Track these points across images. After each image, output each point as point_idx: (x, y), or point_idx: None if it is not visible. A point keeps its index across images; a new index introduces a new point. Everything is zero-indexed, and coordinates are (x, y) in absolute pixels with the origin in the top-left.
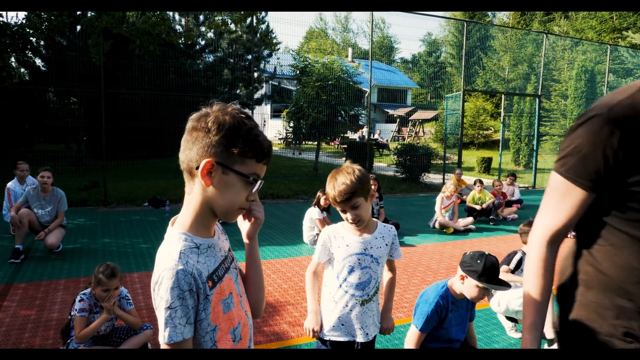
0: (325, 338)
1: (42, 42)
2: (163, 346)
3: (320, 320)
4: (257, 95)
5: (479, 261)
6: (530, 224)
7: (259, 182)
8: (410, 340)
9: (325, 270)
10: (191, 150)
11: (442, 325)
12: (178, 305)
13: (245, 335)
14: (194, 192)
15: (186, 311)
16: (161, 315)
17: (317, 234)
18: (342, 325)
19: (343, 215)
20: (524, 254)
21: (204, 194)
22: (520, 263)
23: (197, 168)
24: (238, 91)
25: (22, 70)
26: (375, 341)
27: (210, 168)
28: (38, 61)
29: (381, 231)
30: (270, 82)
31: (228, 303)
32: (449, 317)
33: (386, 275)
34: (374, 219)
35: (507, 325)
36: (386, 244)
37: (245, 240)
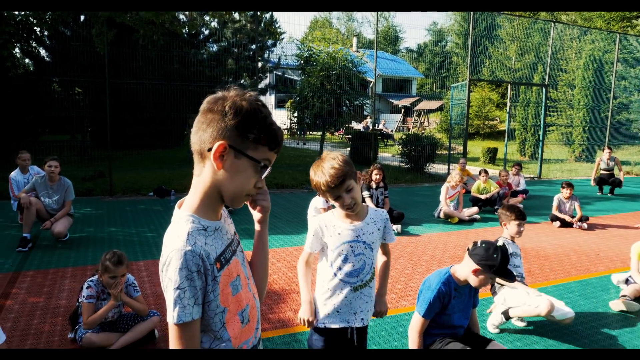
0: (320, 326)
1: (46, 32)
2: (171, 327)
3: (315, 310)
4: (261, 85)
5: (495, 255)
6: (507, 207)
7: (268, 168)
8: (414, 327)
9: (318, 260)
10: (205, 132)
11: (444, 311)
12: (186, 285)
13: (253, 317)
14: (204, 175)
15: (194, 292)
16: (170, 295)
17: None
18: (338, 312)
19: (337, 203)
20: (505, 240)
21: (214, 177)
22: (511, 252)
23: (210, 150)
24: (242, 81)
25: (27, 60)
26: (381, 329)
27: (223, 151)
28: (42, 51)
29: (372, 216)
30: (274, 72)
31: (236, 285)
32: (452, 303)
33: (380, 259)
34: (364, 204)
35: (497, 319)
36: (378, 229)
37: (257, 227)
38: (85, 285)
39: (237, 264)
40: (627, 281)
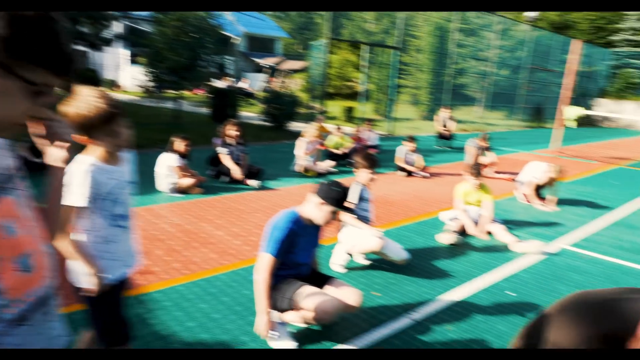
0: (110, 283)
1: None
2: None
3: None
4: (107, 36)
5: (338, 189)
6: (363, 156)
7: (48, 94)
8: (264, 267)
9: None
10: None
11: (292, 249)
12: None
13: (41, 265)
14: None
15: None
16: None
17: (176, 182)
18: (119, 260)
19: (109, 139)
20: (358, 184)
21: None
22: (361, 196)
23: None
24: (82, 28)
25: None
26: (232, 280)
27: None
28: None
29: (123, 155)
30: (122, 21)
31: (7, 227)
32: (299, 241)
33: None
34: None
35: (341, 258)
36: (127, 165)
37: (60, 165)
38: None
39: (11, 203)
40: (453, 218)
